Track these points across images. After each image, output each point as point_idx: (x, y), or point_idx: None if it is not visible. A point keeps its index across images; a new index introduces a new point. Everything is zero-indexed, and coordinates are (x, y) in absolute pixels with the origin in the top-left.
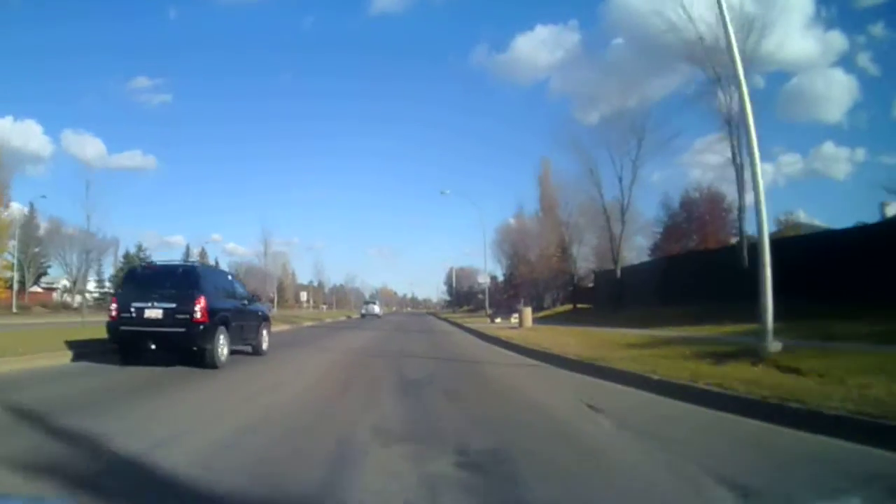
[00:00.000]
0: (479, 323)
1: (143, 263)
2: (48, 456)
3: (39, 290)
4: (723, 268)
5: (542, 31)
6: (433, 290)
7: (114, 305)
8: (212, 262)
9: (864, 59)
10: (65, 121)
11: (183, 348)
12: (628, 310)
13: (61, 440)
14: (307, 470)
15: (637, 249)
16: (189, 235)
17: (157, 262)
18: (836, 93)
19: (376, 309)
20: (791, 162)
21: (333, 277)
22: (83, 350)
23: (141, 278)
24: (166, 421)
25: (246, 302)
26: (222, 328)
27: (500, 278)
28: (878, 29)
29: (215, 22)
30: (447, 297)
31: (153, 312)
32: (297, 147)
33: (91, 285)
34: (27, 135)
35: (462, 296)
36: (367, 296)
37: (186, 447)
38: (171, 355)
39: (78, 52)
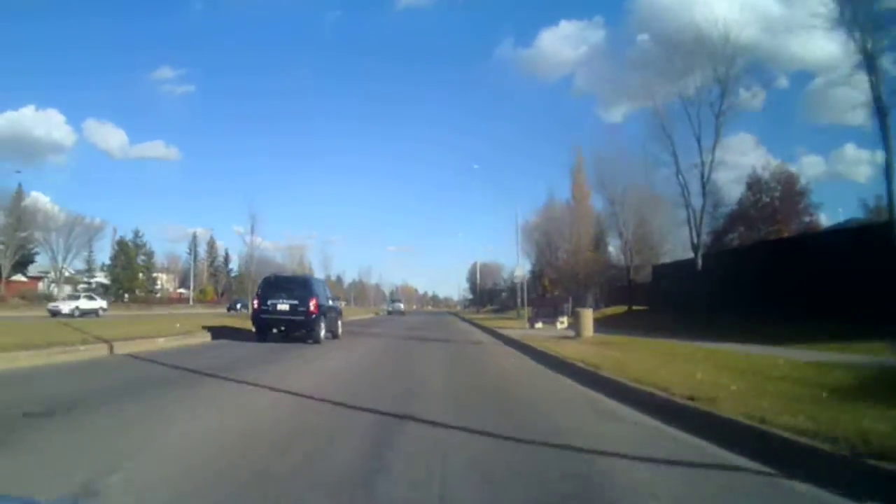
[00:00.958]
0: (515, 328)
1: (275, 274)
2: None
3: (24, 279)
4: (858, 255)
5: (566, 27)
6: (454, 288)
7: (256, 302)
8: (222, 253)
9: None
10: (87, 110)
11: (300, 330)
12: (712, 313)
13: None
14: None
15: (682, 243)
16: (212, 226)
17: (284, 274)
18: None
19: (401, 306)
20: (813, 163)
21: (353, 273)
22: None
23: (273, 283)
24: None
25: (331, 301)
26: (323, 318)
27: (527, 274)
28: None
29: (240, 14)
30: (469, 296)
31: (283, 306)
32: (318, 143)
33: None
34: (49, 124)
35: (485, 294)
36: (387, 293)
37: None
38: (290, 334)
39: (101, 42)
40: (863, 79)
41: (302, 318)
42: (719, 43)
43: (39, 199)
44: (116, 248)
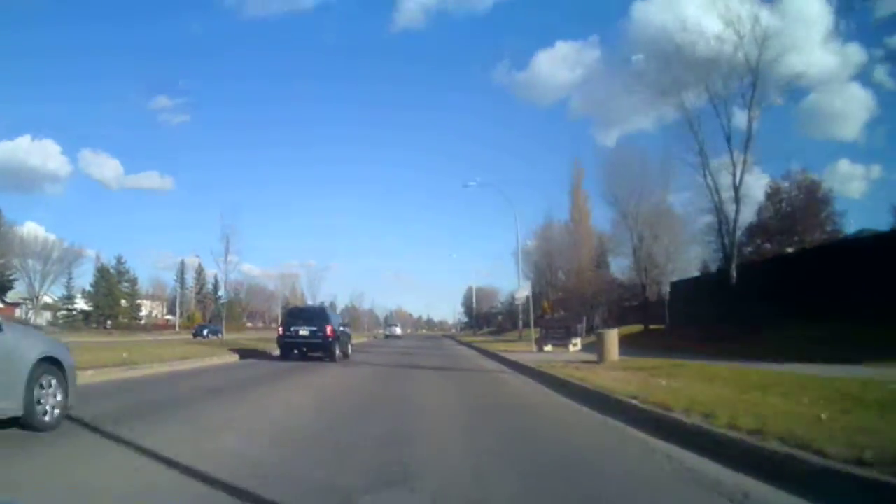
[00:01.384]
0: (521, 351)
1: (296, 306)
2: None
3: (1, 305)
4: None
5: (562, 48)
6: (448, 312)
7: (281, 328)
8: (211, 280)
9: (881, 74)
10: (83, 141)
11: (319, 351)
12: (748, 329)
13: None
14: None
15: (688, 263)
16: (201, 254)
17: (304, 305)
18: (853, 108)
19: (398, 330)
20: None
21: (345, 298)
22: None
23: (295, 313)
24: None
25: (343, 327)
26: (337, 341)
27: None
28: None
29: (237, 41)
30: (465, 319)
31: (303, 331)
32: (313, 171)
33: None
34: (45, 154)
35: (480, 317)
36: (380, 318)
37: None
38: (310, 354)
39: (98, 71)
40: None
41: (320, 341)
42: (748, 24)
43: (29, 227)
44: (97, 274)
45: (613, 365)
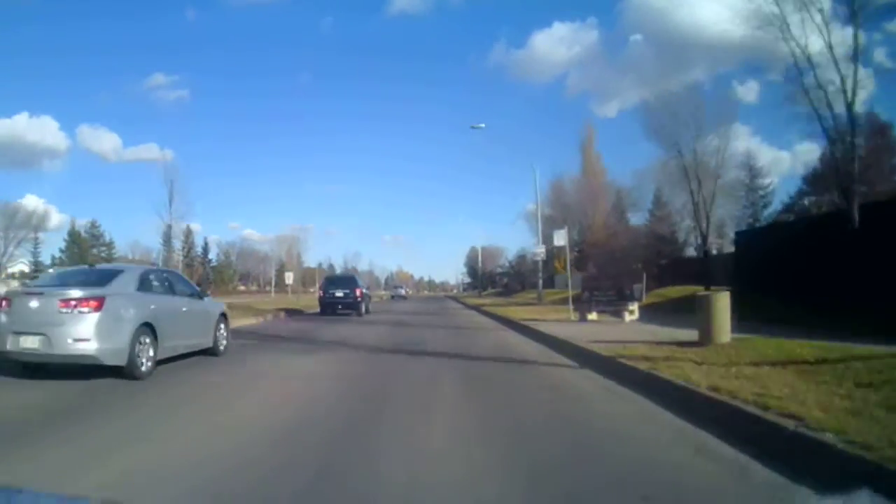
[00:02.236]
0: (555, 321)
1: (333, 274)
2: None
3: None
4: None
5: (560, 28)
6: (449, 273)
7: (321, 291)
8: (200, 244)
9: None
10: (81, 117)
11: (350, 308)
12: (868, 295)
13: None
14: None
15: (720, 224)
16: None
17: (338, 273)
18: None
19: (403, 292)
20: (808, 150)
21: (342, 260)
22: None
23: (332, 278)
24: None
25: (367, 289)
26: (364, 300)
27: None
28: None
29: (233, 20)
30: (467, 280)
31: (339, 293)
32: (312, 143)
33: (23, 267)
34: (43, 130)
35: (485, 278)
36: (381, 279)
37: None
38: (343, 311)
39: (94, 49)
40: None
41: (351, 300)
42: None
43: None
44: (68, 238)
45: (739, 352)
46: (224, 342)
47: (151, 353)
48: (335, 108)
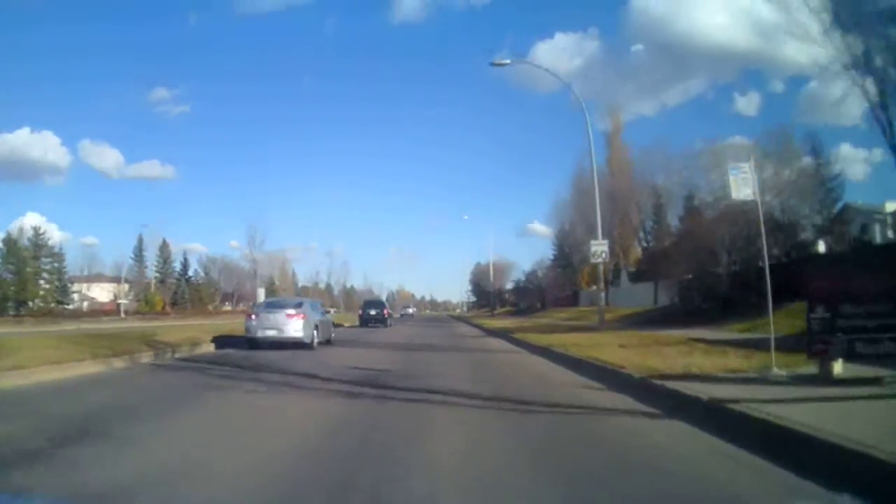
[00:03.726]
0: (784, 398)
1: (368, 299)
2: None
3: None
4: None
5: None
6: (452, 292)
7: (360, 311)
8: (180, 260)
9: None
10: (82, 132)
11: (380, 322)
12: None
13: (388, 331)
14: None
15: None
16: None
17: (372, 298)
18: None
19: (411, 311)
20: (809, 163)
21: (347, 280)
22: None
23: (368, 302)
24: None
25: (389, 308)
26: (390, 316)
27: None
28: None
29: (234, 32)
30: (472, 299)
31: (373, 312)
32: (317, 153)
33: None
34: (45, 146)
35: (488, 295)
36: (383, 298)
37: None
38: (376, 324)
39: (96, 63)
40: None
41: (381, 317)
42: None
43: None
44: (3, 248)
45: None
46: (333, 335)
47: (316, 338)
48: (334, 124)
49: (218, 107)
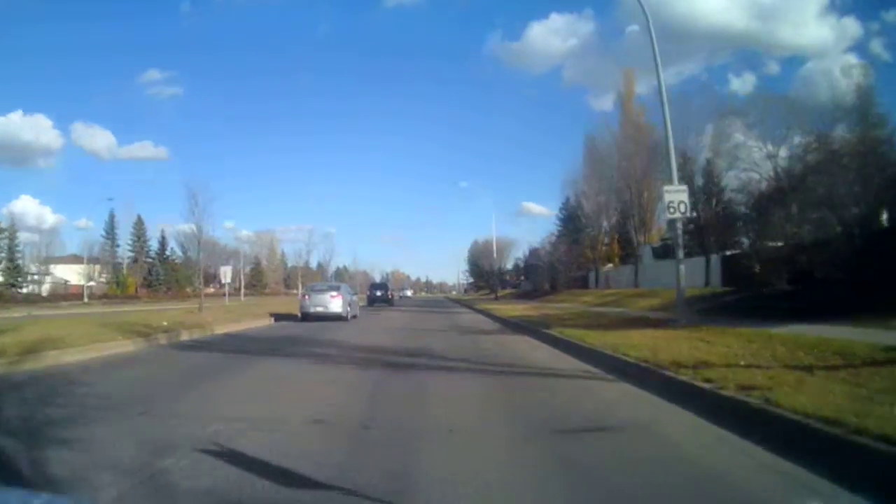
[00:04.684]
0: None
1: (375, 281)
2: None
3: None
4: None
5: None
6: (448, 273)
7: (368, 292)
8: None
9: (877, 46)
10: (74, 115)
11: (385, 301)
12: None
13: (394, 309)
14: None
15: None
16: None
17: (378, 281)
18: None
19: (409, 293)
20: (804, 143)
21: (340, 261)
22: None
23: (374, 285)
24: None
25: (392, 290)
26: (395, 296)
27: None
28: (891, 16)
29: (227, 16)
30: (468, 280)
31: (378, 293)
32: (309, 140)
33: None
34: (37, 129)
35: (486, 275)
36: (377, 279)
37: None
38: (381, 303)
39: (88, 46)
40: None
41: (385, 297)
42: None
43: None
44: None
45: None
46: (359, 312)
47: (350, 313)
48: (328, 105)
49: (211, 89)
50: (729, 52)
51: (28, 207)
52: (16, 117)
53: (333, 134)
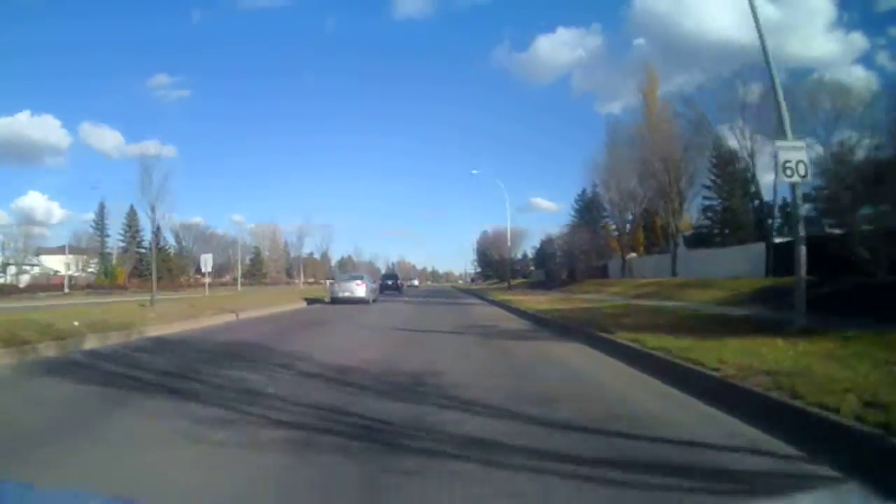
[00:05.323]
0: None
1: (386, 272)
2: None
3: None
4: None
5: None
6: (455, 262)
7: (380, 281)
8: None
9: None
10: (83, 116)
11: (395, 290)
12: None
13: (402, 298)
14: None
15: None
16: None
17: (389, 272)
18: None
19: (416, 282)
20: (810, 147)
21: (344, 251)
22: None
23: (386, 275)
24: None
25: (402, 279)
26: (402, 286)
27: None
28: None
29: (235, 21)
30: (475, 269)
31: (389, 282)
32: (315, 141)
33: None
34: (45, 128)
35: (494, 265)
36: (383, 269)
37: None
38: (392, 291)
39: (97, 48)
40: None
41: (396, 286)
42: None
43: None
44: None
45: None
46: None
47: (373, 298)
48: (336, 107)
49: (219, 89)
50: (734, 63)
51: (37, 203)
52: (24, 117)
53: (338, 134)
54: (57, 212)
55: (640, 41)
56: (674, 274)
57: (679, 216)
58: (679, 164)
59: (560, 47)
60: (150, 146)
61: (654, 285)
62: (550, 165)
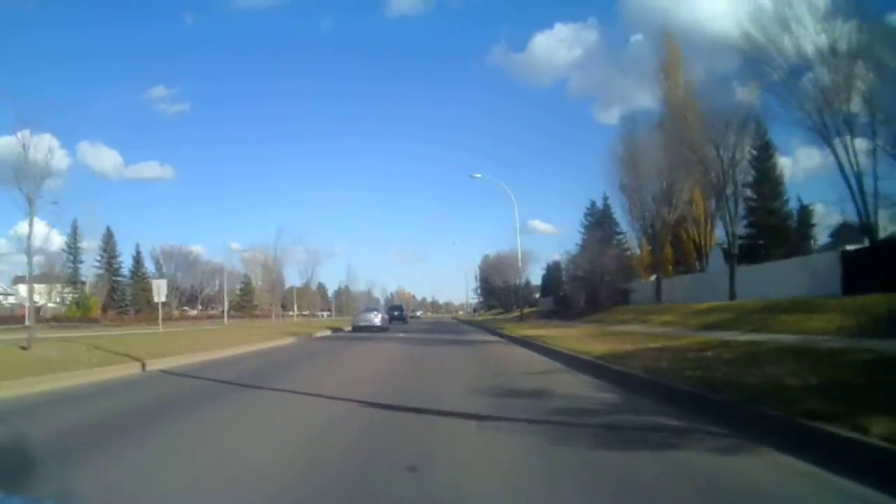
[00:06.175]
0: None
1: (391, 304)
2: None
3: None
4: None
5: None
6: (455, 293)
7: (387, 314)
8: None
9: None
10: (81, 133)
11: (401, 320)
12: None
13: (408, 326)
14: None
15: None
16: (207, 242)
17: (394, 303)
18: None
19: (419, 314)
20: (809, 155)
21: (332, 276)
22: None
23: (392, 307)
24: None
25: (405, 311)
26: (407, 318)
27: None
28: None
29: (232, 29)
30: (478, 299)
31: (395, 313)
32: (316, 153)
33: None
34: (44, 148)
35: (496, 294)
36: (381, 300)
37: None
38: (397, 323)
39: (94, 63)
40: None
41: (401, 317)
42: None
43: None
44: None
45: None
46: (390, 325)
47: (387, 325)
48: (335, 115)
49: (216, 107)
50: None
51: (35, 230)
52: (22, 137)
53: (340, 157)
54: (56, 239)
55: (637, 37)
56: (732, 297)
57: (736, 221)
58: (734, 150)
59: (557, 45)
60: (149, 168)
61: (715, 311)
62: (549, 183)
